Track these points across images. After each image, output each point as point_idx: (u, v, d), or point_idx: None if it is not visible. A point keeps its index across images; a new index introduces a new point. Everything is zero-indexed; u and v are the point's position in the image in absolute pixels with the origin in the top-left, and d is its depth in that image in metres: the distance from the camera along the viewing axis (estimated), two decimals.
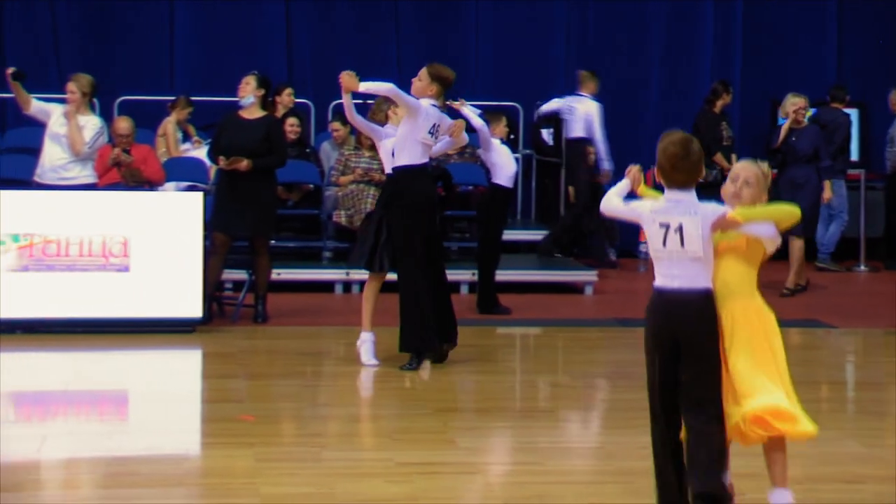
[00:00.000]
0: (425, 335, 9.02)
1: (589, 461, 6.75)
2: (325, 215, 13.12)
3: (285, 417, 7.92)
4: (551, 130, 15.31)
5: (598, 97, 14.83)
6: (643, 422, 6.63)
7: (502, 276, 11.85)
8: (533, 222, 15.40)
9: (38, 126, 11.14)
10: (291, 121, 13.21)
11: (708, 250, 5.52)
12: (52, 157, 10.78)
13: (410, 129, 8.98)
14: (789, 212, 5.68)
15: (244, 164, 10.47)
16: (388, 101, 9.38)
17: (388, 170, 9.28)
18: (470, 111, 10.78)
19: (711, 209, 5.54)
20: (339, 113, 13.85)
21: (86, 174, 10.83)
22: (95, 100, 11.26)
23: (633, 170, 5.90)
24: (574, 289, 13.01)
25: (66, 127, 10.68)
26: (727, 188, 5.70)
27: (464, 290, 12.63)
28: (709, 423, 5.47)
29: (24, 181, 11.88)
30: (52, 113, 10.84)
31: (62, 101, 10.87)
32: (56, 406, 8.32)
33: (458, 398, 8.67)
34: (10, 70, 10.82)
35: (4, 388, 8.69)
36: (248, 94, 10.66)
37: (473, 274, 12.03)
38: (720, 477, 5.51)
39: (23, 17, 15.25)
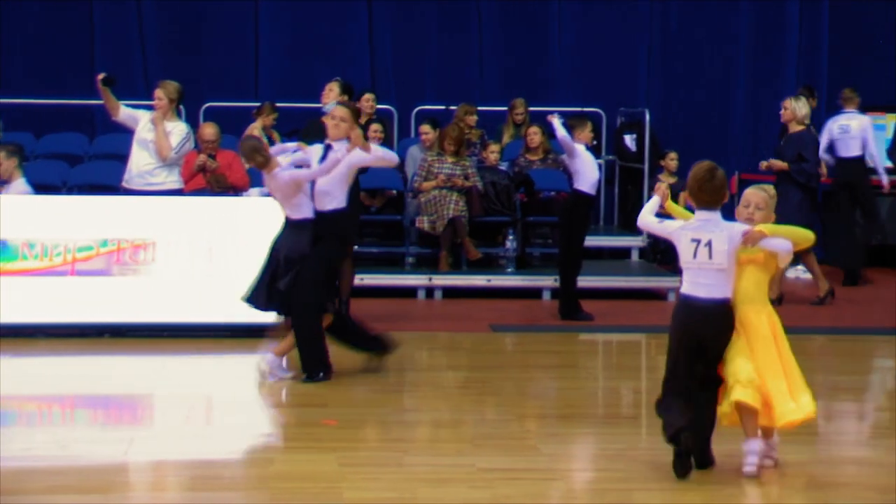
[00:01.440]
0: (323, 356, 8.92)
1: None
2: (408, 221, 13.17)
3: (368, 422, 7.95)
4: (634, 136, 15.23)
5: (680, 103, 14.68)
6: (726, 429, 6.61)
7: (584, 282, 11.81)
8: (615, 228, 15.34)
9: (126, 132, 11.27)
10: (375, 127, 13.24)
11: (731, 263, 6.46)
12: (140, 162, 10.90)
13: (349, 176, 8.87)
14: (805, 236, 6.68)
15: None
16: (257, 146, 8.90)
17: (304, 214, 8.80)
18: (558, 123, 11.03)
19: (737, 227, 6.48)
20: (428, 117, 13.94)
21: (172, 180, 10.94)
22: (182, 106, 11.36)
23: (661, 187, 6.88)
24: (657, 295, 12.94)
25: (154, 133, 10.81)
26: (741, 212, 6.64)
27: (546, 296, 12.63)
28: (709, 402, 6.51)
29: (113, 186, 12.06)
30: (139, 119, 10.96)
31: (150, 107, 11.00)
32: (142, 410, 8.42)
33: (540, 404, 8.66)
34: (101, 76, 10.94)
35: (93, 392, 8.83)
36: (332, 101, 10.72)
37: (555, 280, 12.01)
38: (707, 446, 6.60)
39: (111, 25, 15.49)
